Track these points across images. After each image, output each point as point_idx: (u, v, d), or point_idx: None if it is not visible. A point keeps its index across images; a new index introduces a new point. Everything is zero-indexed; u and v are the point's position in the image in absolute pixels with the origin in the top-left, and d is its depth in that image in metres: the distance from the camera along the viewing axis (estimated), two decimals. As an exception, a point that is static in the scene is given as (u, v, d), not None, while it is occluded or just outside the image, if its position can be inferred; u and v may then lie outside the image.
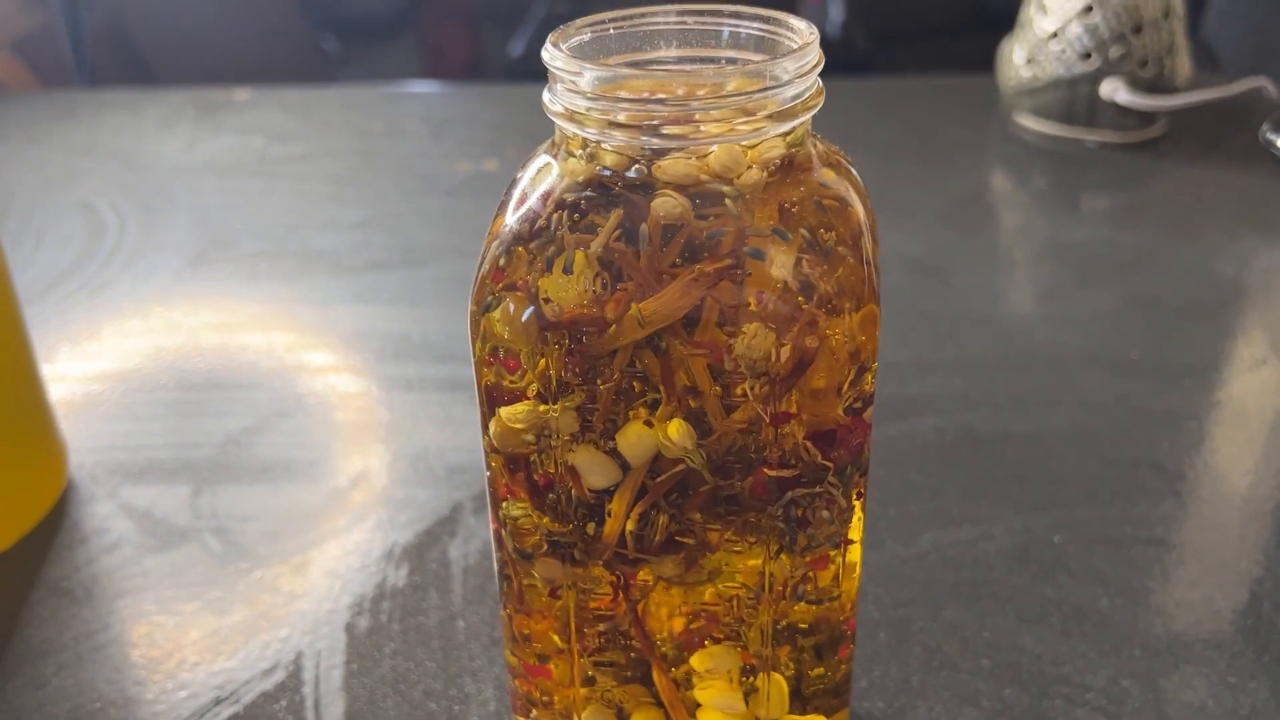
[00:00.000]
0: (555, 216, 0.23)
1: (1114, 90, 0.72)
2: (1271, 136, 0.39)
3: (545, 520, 0.25)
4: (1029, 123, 0.78)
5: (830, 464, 0.24)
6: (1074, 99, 0.74)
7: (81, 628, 0.38)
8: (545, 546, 0.26)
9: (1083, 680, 0.35)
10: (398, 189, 0.74)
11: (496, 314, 0.24)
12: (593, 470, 0.25)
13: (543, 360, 0.23)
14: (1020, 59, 0.76)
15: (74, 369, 0.54)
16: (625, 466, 0.24)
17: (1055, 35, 0.74)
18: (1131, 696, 0.35)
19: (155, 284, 0.62)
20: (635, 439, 0.24)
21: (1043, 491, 0.44)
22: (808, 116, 0.23)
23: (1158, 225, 0.67)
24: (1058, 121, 0.76)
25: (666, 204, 0.23)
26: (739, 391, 0.23)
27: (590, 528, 0.25)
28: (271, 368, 0.54)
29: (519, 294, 0.23)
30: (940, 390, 0.51)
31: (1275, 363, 0.53)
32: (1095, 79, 0.73)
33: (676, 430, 0.23)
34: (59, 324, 0.58)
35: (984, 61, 0.83)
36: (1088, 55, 0.73)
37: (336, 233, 0.68)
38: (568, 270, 0.22)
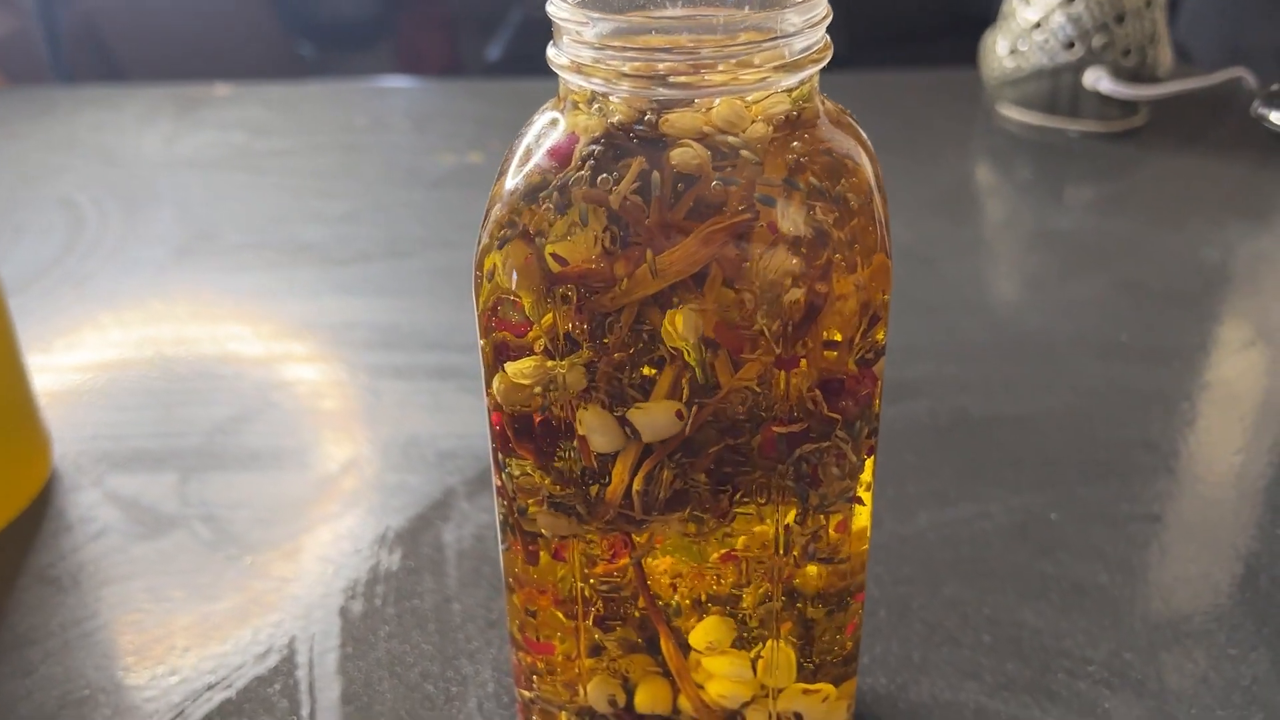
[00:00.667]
0: (564, 171, 0.23)
1: (1097, 80, 0.72)
2: (1264, 111, 0.39)
3: (548, 481, 0.25)
4: (1012, 113, 0.79)
5: (838, 416, 0.24)
6: (1057, 89, 0.74)
7: (69, 615, 0.38)
8: (547, 505, 0.26)
9: (1084, 654, 0.35)
10: (382, 182, 0.74)
11: (499, 258, 0.23)
12: (599, 432, 0.24)
13: (549, 315, 0.23)
14: (1003, 49, 0.76)
15: (58, 360, 0.53)
16: (634, 434, 0.24)
17: (1038, 25, 0.74)
18: (1133, 669, 0.34)
19: (139, 276, 0.62)
20: (654, 414, 0.23)
21: (1038, 471, 0.44)
22: (815, 70, 0.23)
23: (1143, 213, 0.67)
24: (1041, 112, 0.76)
25: (685, 154, 0.22)
26: (752, 322, 0.23)
27: (594, 490, 0.25)
28: (258, 357, 0.53)
29: (523, 244, 0.23)
30: (933, 375, 0.51)
31: (1263, 345, 0.54)
32: (1078, 68, 0.73)
33: (683, 321, 0.22)
34: (42, 315, 0.57)
35: (966, 59, 0.84)
36: (1071, 45, 0.73)
37: (322, 225, 0.67)
38: (583, 221, 0.22)
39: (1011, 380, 0.50)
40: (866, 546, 0.28)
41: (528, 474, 0.25)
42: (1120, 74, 0.72)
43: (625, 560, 0.26)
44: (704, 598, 0.27)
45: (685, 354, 0.23)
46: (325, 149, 0.79)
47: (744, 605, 0.27)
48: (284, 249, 0.64)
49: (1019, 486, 0.43)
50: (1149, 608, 0.37)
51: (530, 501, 0.26)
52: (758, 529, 0.26)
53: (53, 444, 0.46)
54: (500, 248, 0.24)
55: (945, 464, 0.45)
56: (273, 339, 0.55)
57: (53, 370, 0.52)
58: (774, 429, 0.24)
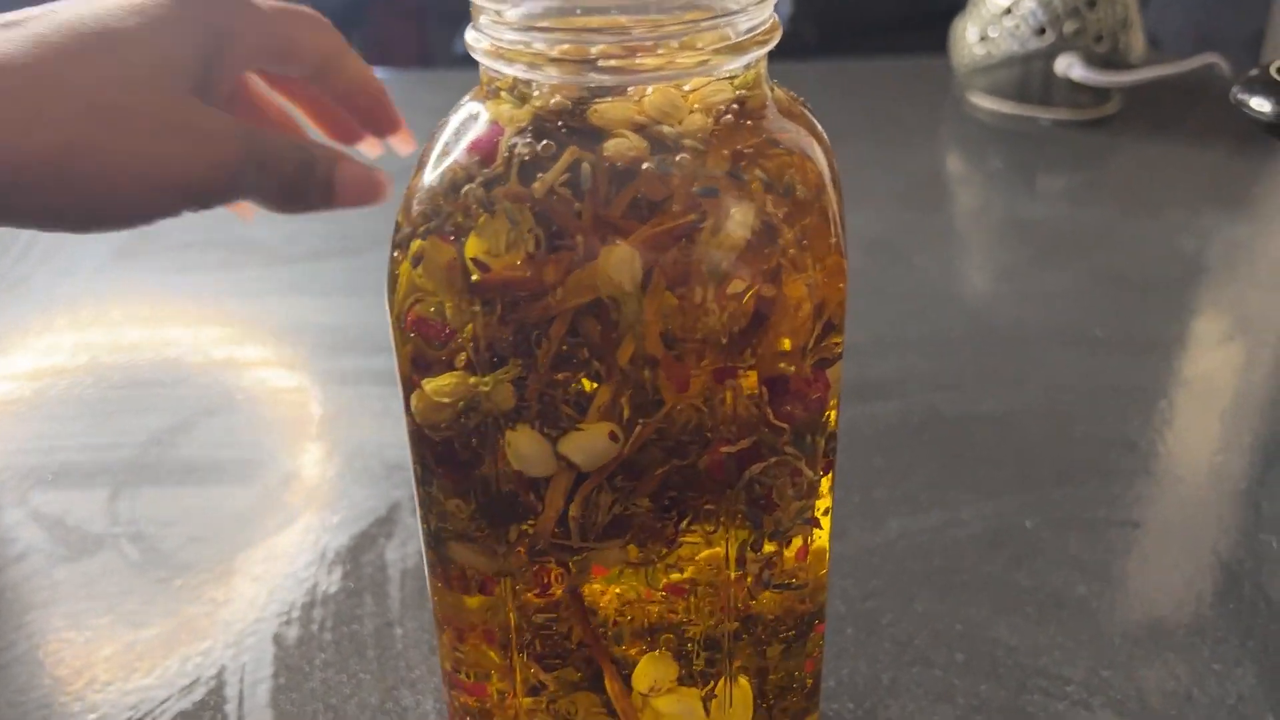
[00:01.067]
0: (485, 167, 0.21)
1: (1069, 66, 0.71)
2: (1243, 97, 0.38)
3: (470, 510, 0.23)
4: (983, 101, 0.77)
5: (786, 424, 0.22)
6: (1028, 76, 0.73)
7: (-18, 646, 0.35)
8: (474, 535, 0.23)
9: (1061, 672, 0.33)
10: (334, 177, 0.71)
11: (416, 260, 0.21)
12: (529, 456, 0.22)
13: (470, 325, 0.21)
14: (973, 36, 0.75)
15: (-17, 369, 0.51)
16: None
17: (1009, 10, 0.72)
18: (1112, 688, 0.33)
19: (77, 278, 0.59)
20: (587, 440, 0.21)
21: (1012, 474, 0.42)
22: (761, 53, 0.21)
23: (1116, 202, 0.66)
24: (1012, 100, 0.75)
25: (620, 146, 0.20)
26: (697, 298, 0.20)
27: (523, 525, 0.23)
28: (199, 363, 0.51)
29: (443, 243, 0.21)
30: (903, 371, 0.49)
31: (1241, 338, 0.52)
32: (1049, 55, 0.71)
33: (615, 263, 0.20)
34: (-32, 322, 0.54)
35: (936, 47, 0.82)
36: (1042, 30, 0.71)
37: (270, 222, 0.64)
38: (511, 221, 0.20)
39: (984, 376, 0.49)
40: (826, 570, 0.26)
41: (451, 501, 0.23)
42: (1092, 60, 0.71)
43: (559, 592, 0.24)
44: (649, 627, 0.25)
45: (622, 304, 0.20)
46: (275, 143, 0.76)
47: (692, 634, 0.25)
48: (231, 247, 0.62)
49: (993, 490, 0.41)
50: (1129, 620, 0.35)
51: (450, 532, 0.23)
52: (707, 553, 0.24)
53: (-27, 459, 0.43)
54: (422, 237, 0.21)
55: (916, 467, 0.43)
56: (214, 344, 0.52)
57: (-22, 380, 0.50)
58: (722, 449, 0.22)
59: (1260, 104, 0.37)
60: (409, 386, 0.23)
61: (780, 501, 0.23)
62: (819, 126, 0.24)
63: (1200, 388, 0.48)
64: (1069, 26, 0.70)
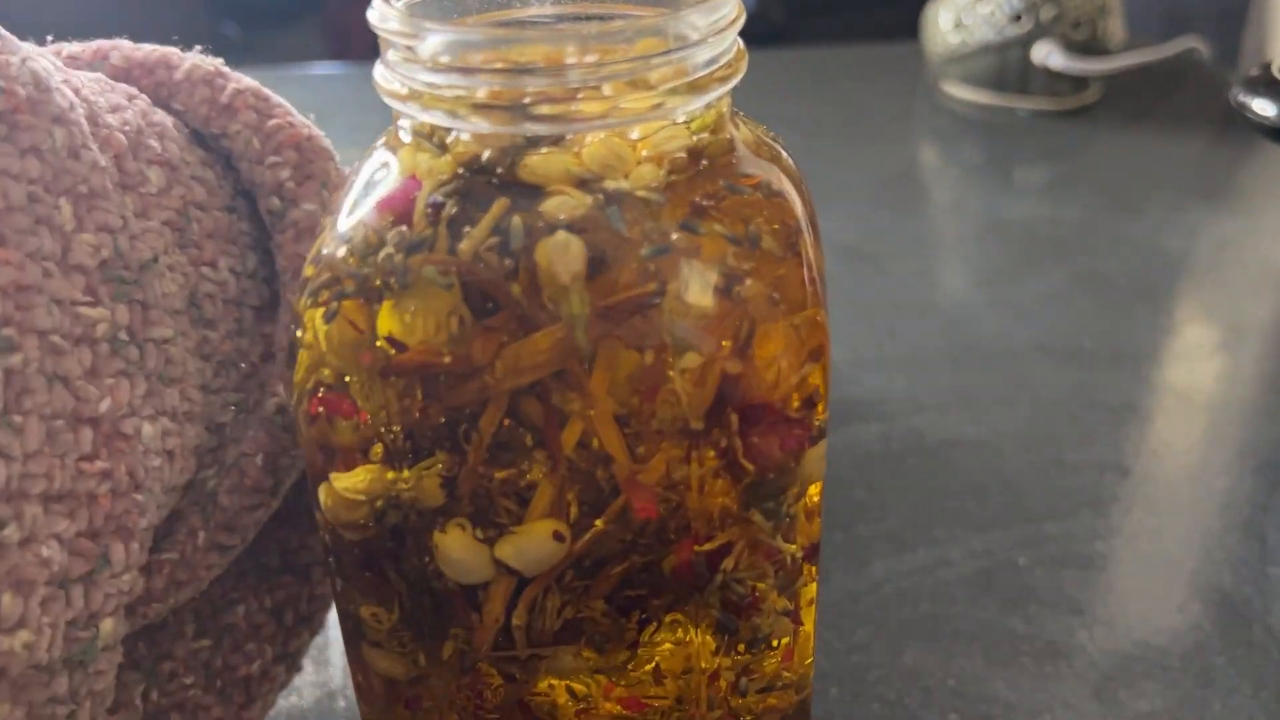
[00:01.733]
0: (395, 231, 0.17)
1: (1047, 54, 0.68)
2: (1244, 100, 0.35)
3: (392, 618, 0.20)
4: (958, 91, 0.74)
5: (752, 465, 0.18)
6: (1004, 65, 0.70)
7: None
8: (394, 645, 0.20)
9: (1064, 732, 0.31)
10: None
11: (322, 330, 0.18)
12: (461, 561, 0.19)
13: (383, 412, 0.18)
14: (947, 24, 0.71)
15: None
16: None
17: (983, -3, 0.69)
18: (1120, 749, 0.30)
19: None
20: (526, 542, 0.18)
21: (1001, 505, 0.39)
22: (724, 90, 0.18)
23: (1098, 198, 0.63)
24: (988, 89, 0.72)
25: (559, 204, 0.17)
26: (670, 373, 0.17)
27: (458, 630, 0.19)
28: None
29: (350, 314, 0.17)
30: (882, 392, 0.46)
31: (1234, 346, 0.50)
32: (1026, 43, 0.68)
33: (552, 254, 0.17)
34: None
35: (908, 29, 0.79)
36: (1018, 18, 0.68)
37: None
38: (433, 295, 0.16)
39: (968, 394, 0.46)
40: (812, 660, 0.23)
41: (367, 609, 0.20)
42: (1070, 48, 0.68)
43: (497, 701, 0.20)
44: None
45: (560, 303, 0.17)
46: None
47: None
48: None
49: (981, 524, 0.38)
50: (1132, 670, 0.33)
51: (368, 637, 0.20)
52: (670, 647, 0.21)
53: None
54: (326, 319, 0.18)
55: (899, 499, 0.40)
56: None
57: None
58: (693, 547, 0.19)
59: (1264, 107, 0.34)
60: (316, 478, 0.19)
61: (761, 603, 0.20)
62: (791, 162, 0.21)
63: (1193, 403, 0.45)
64: (1046, 13, 0.67)
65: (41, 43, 0.25)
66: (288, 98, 0.30)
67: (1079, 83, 0.70)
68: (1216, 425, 0.44)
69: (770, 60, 0.83)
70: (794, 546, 0.20)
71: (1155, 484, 0.40)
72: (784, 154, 0.21)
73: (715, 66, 0.17)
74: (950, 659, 0.33)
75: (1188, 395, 0.46)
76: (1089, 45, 0.68)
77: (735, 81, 0.18)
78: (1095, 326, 0.50)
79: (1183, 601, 0.35)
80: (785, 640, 0.21)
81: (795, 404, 0.19)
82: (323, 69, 0.87)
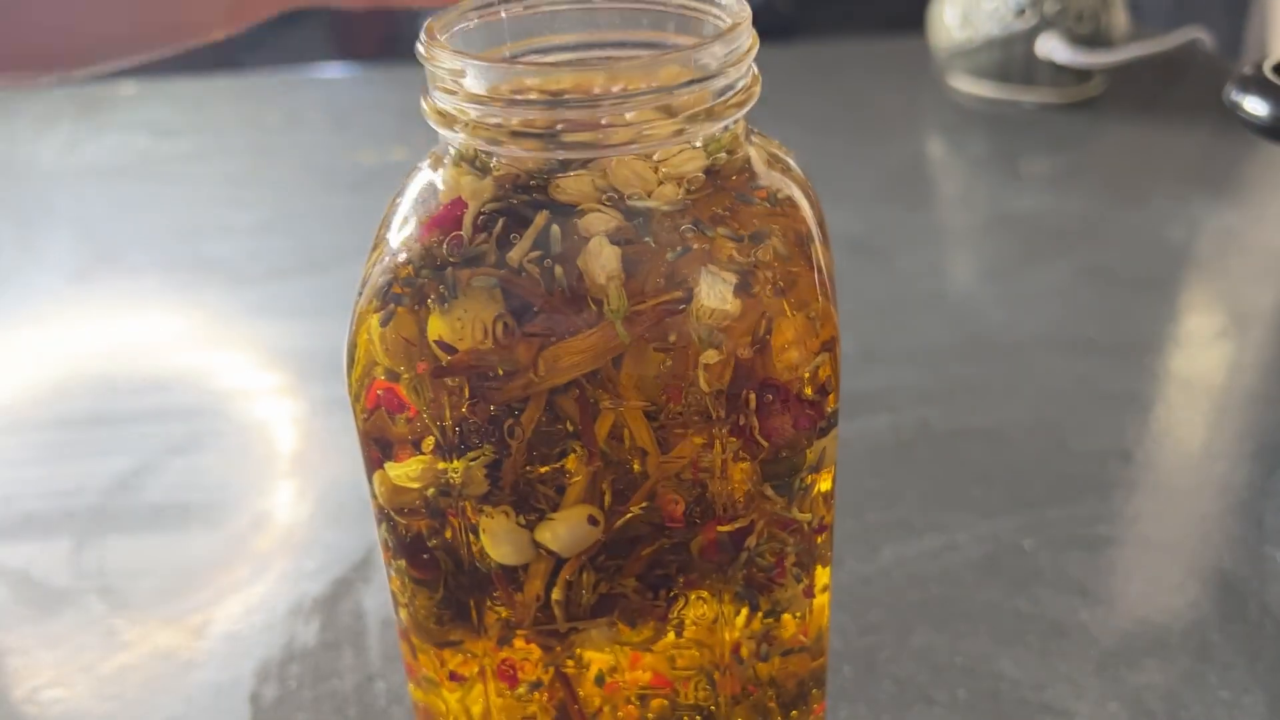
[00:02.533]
0: (445, 244, 0.19)
1: (1051, 48, 0.69)
2: (1238, 99, 0.36)
3: (439, 596, 0.21)
4: (963, 85, 0.75)
5: (765, 441, 0.20)
6: (1009, 58, 0.71)
7: (-58, 721, 0.34)
8: (446, 619, 0.22)
9: (1067, 706, 0.32)
10: (298, 186, 0.69)
11: (378, 333, 0.19)
12: (503, 544, 0.20)
13: (438, 406, 0.19)
14: (952, 19, 0.73)
15: (-62, 409, 0.49)
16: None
17: (988, -7, 0.70)
18: (1121, 721, 0.32)
19: (32, 307, 0.57)
20: (563, 527, 0.20)
21: (1008, 491, 0.41)
22: (740, 115, 0.19)
23: (1102, 190, 0.64)
24: (993, 82, 0.73)
25: (596, 219, 0.19)
26: (698, 360, 0.19)
27: (500, 613, 0.21)
28: (162, 398, 0.49)
29: (403, 319, 0.19)
30: (891, 383, 0.47)
31: (1235, 334, 0.51)
32: (1031, 36, 0.70)
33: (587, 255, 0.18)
34: (-78, 358, 0.52)
35: (916, 18, 0.80)
36: (1022, 12, 0.69)
37: (231, 239, 0.62)
38: (481, 304, 0.18)
39: (975, 385, 0.47)
40: (827, 629, 0.24)
41: (420, 588, 0.22)
42: (1075, 40, 0.69)
43: (550, 693, 0.22)
44: (640, 696, 0.23)
45: (605, 304, 0.19)
46: (234, 151, 0.74)
47: (685, 703, 0.23)
48: (190, 268, 0.60)
49: (988, 509, 0.40)
50: (1134, 648, 0.34)
51: (417, 616, 0.22)
52: (700, 622, 0.22)
53: (-70, 512, 0.42)
54: (383, 320, 0.20)
55: (908, 486, 0.41)
56: (177, 377, 0.51)
57: (-66, 422, 0.48)
58: (718, 527, 0.21)
59: (1255, 106, 0.36)
60: (371, 466, 0.21)
61: (781, 576, 0.21)
62: (801, 173, 0.22)
63: (1195, 390, 0.47)
64: (1050, 7, 0.69)
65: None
66: (300, 100, 0.31)
67: (1083, 75, 0.71)
68: (1216, 411, 0.45)
69: (777, 56, 0.85)
70: (808, 515, 0.22)
71: (1157, 469, 0.42)
72: (794, 165, 0.22)
73: (732, 93, 0.19)
74: (958, 639, 0.35)
75: (1189, 383, 0.47)
76: (1093, 38, 0.69)
77: (750, 106, 0.19)
78: (1099, 317, 0.52)
79: (1182, 581, 0.37)
80: (801, 611, 0.22)
81: (809, 391, 0.20)
82: (332, 71, 0.89)
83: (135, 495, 0.43)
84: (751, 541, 0.21)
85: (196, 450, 0.45)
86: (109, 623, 0.37)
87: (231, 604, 0.37)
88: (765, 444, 0.20)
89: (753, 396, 0.19)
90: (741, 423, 0.19)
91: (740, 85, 0.19)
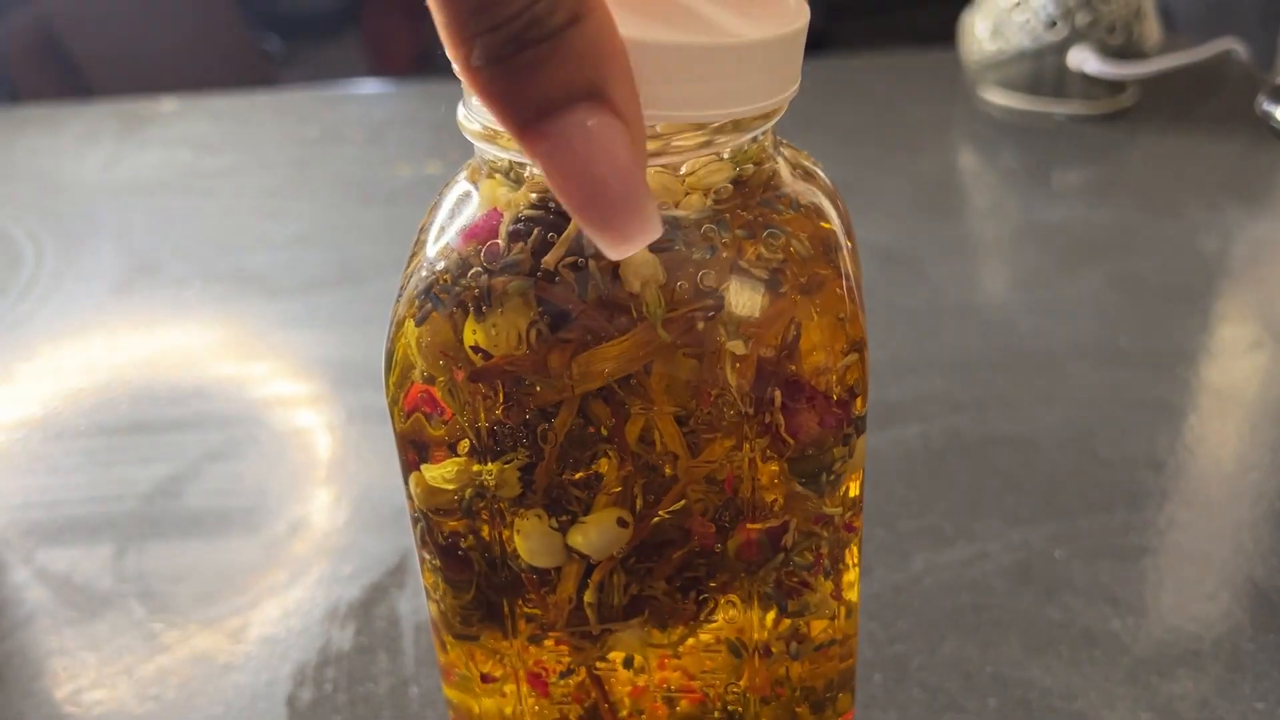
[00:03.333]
0: (481, 253, 0.20)
1: (1082, 60, 0.69)
2: (1269, 109, 0.36)
3: (470, 597, 0.22)
4: (995, 97, 0.75)
5: (791, 439, 0.20)
6: (1041, 70, 0.71)
7: (-11, 720, 0.34)
8: (475, 620, 0.22)
9: (1098, 716, 0.32)
10: (335, 200, 0.70)
11: (415, 336, 0.20)
12: (536, 546, 0.21)
13: (473, 410, 0.20)
14: (983, 31, 0.73)
15: (-14, 417, 0.50)
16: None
17: (1019, 4, 0.70)
18: (1153, 731, 0.32)
19: (75, 317, 0.58)
20: (595, 530, 0.20)
21: (1039, 500, 0.41)
22: (766, 126, 0.20)
23: (1135, 200, 0.64)
24: (1025, 94, 0.73)
25: None
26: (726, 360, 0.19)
27: (532, 609, 0.22)
28: (201, 406, 0.50)
29: (445, 324, 0.20)
30: (922, 392, 0.48)
31: (1270, 344, 0.51)
32: (1062, 48, 0.70)
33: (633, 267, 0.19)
34: (-30, 367, 0.54)
35: (946, 32, 0.80)
36: (1053, 24, 0.69)
37: (270, 251, 0.64)
38: (517, 310, 0.19)
39: (1006, 394, 0.47)
40: (856, 629, 0.24)
41: (450, 589, 0.22)
42: (1106, 52, 0.69)
43: (584, 694, 0.23)
44: (668, 697, 0.24)
45: (645, 303, 0.19)
46: (273, 165, 0.75)
47: (714, 703, 0.24)
48: (230, 279, 0.61)
49: (1019, 518, 0.40)
50: (1166, 657, 0.34)
51: (450, 618, 0.22)
52: (729, 625, 0.23)
53: (-23, 517, 0.43)
54: (419, 323, 0.20)
55: (939, 495, 0.41)
56: (216, 386, 0.52)
57: (-19, 429, 0.49)
58: (750, 526, 0.21)
59: (1288, 115, 0.36)
60: (408, 468, 0.22)
61: (811, 579, 0.22)
62: (828, 182, 0.23)
63: (1228, 400, 0.47)
64: (1081, 19, 0.69)
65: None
66: (338, 116, 0.32)
67: (1115, 87, 0.71)
68: (1249, 422, 0.45)
69: (809, 67, 0.85)
70: (837, 508, 0.22)
71: (1189, 478, 0.42)
72: (822, 175, 0.23)
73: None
74: (989, 647, 0.35)
75: (1222, 393, 0.47)
76: (1125, 49, 0.69)
77: (777, 118, 0.20)
78: (1131, 327, 0.51)
79: (1214, 591, 0.37)
80: (831, 612, 0.23)
81: (836, 393, 0.21)
82: (369, 87, 0.90)
83: (175, 501, 0.44)
84: (788, 540, 0.22)
85: (235, 457, 0.46)
86: (149, 626, 0.38)
87: (269, 608, 0.38)
88: (791, 441, 0.20)
89: (779, 394, 0.20)
90: (768, 420, 0.20)
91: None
